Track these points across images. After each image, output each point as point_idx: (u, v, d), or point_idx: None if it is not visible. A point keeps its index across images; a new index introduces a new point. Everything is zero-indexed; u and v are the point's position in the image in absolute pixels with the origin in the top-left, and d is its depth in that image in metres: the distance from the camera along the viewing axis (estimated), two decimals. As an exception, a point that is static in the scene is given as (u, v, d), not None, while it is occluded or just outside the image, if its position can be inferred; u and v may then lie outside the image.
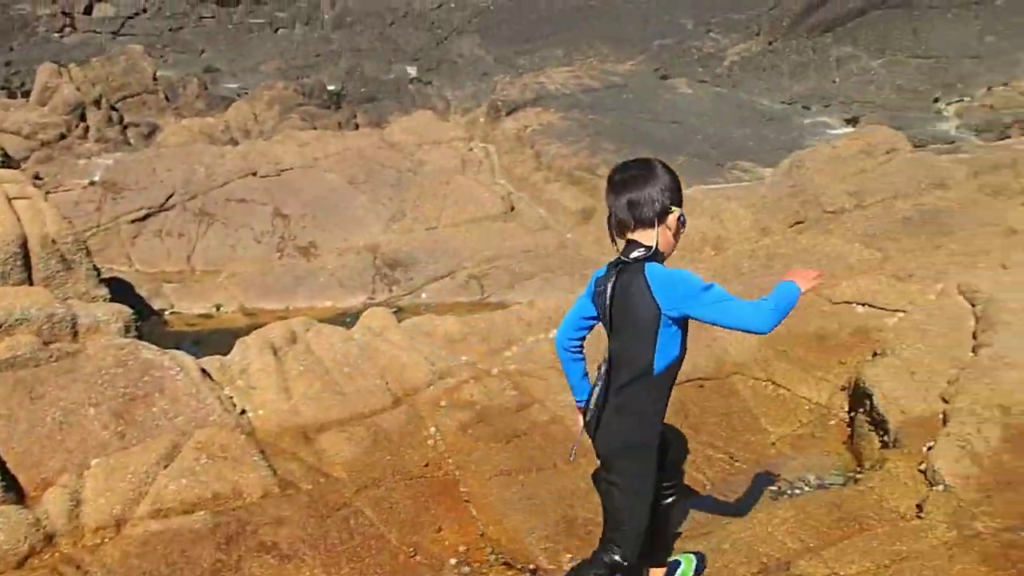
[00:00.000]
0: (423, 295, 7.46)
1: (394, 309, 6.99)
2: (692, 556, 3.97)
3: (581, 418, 3.25)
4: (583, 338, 3.27)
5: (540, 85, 12.01)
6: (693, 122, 11.73)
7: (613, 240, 2.93)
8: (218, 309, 7.96)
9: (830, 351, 6.35)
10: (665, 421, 3.18)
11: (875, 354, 5.97)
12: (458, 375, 5.68)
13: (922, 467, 4.75)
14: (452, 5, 15.76)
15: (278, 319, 6.26)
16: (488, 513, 4.59)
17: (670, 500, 3.55)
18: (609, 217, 2.92)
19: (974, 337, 6.06)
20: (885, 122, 11.41)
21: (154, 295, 7.94)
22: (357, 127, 11.33)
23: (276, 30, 15.22)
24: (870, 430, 5.43)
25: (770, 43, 14.75)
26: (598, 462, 3.31)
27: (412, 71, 13.49)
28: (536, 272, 7.71)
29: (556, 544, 4.43)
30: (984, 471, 4.62)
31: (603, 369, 3.03)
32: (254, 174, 9.40)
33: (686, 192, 9.15)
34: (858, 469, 5.25)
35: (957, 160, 9.73)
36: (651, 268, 2.81)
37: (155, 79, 13.15)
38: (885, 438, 5.25)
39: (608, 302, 2.88)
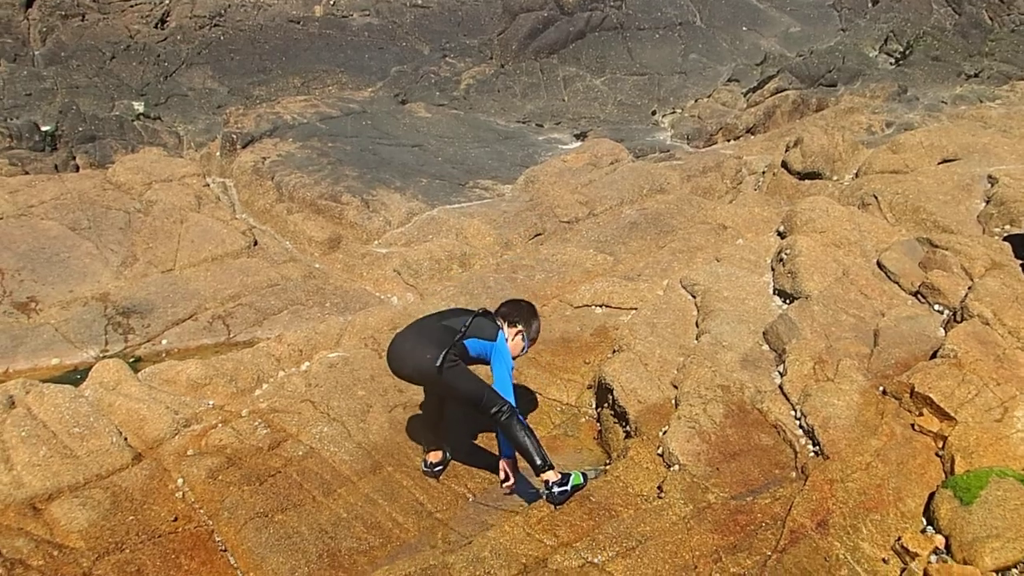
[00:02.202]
0: (163, 341, 7.01)
1: (131, 359, 6.52)
2: (581, 473, 4.88)
3: None
4: None
5: (276, 115, 11.73)
6: (433, 144, 11.97)
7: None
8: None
9: (575, 353, 6.73)
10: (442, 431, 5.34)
11: (614, 351, 6.40)
12: (205, 420, 5.42)
13: (659, 451, 5.15)
14: (179, 37, 15.00)
15: (-6, 385, 5.63)
16: (247, 559, 4.42)
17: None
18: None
19: (696, 325, 6.67)
20: (610, 135, 12.23)
21: None
22: (78, 169, 10.44)
23: (-24, 68, 13.74)
24: (615, 423, 5.81)
25: (502, 66, 15.38)
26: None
27: (138, 107, 12.67)
28: (284, 306, 7.50)
29: (320, 579, 4.34)
30: (712, 446, 5.09)
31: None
32: (-44, 228, 8.42)
33: (432, 213, 9.31)
34: (607, 461, 5.59)
35: (672, 166, 10.66)
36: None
37: None
38: (627, 428, 5.63)
39: None
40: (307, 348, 6.48)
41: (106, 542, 4.37)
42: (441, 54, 15.67)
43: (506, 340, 4.98)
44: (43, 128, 11.14)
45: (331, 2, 16.40)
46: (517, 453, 4.87)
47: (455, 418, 5.42)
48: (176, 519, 4.61)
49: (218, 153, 11.00)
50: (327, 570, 4.41)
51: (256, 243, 8.77)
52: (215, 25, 15.29)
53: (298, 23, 15.71)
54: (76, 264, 8.10)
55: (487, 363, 4.93)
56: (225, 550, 4.49)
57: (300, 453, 5.16)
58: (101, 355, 6.73)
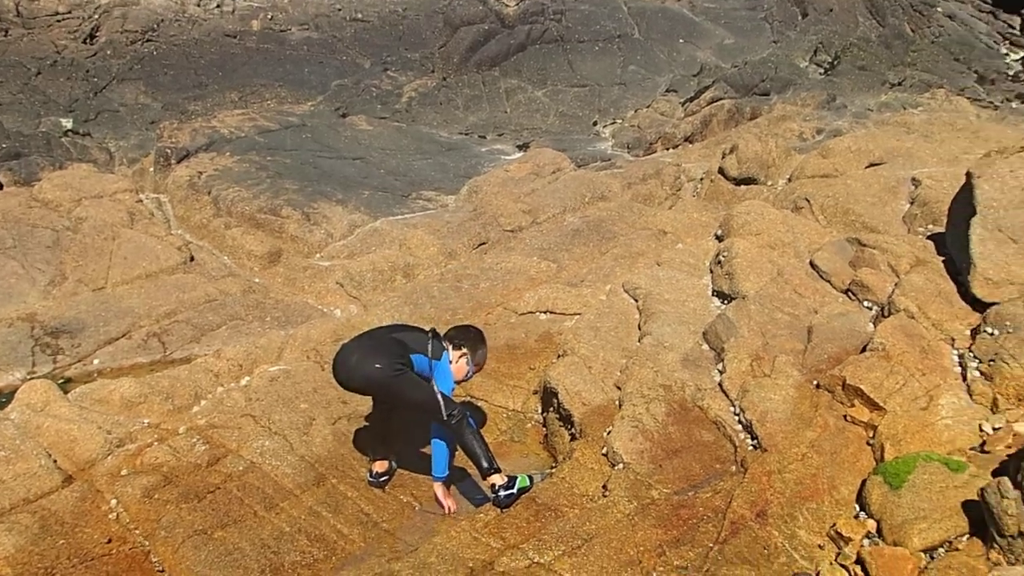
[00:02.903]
0: (95, 361, 6.83)
1: (61, 380, 6.33)
2: (527, 476, 4.90)
3: None
4: None
5: (212, 129, 11.55)
6: (376, 156, 11.92)
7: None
8: None
9: (520, 359, 6.75)
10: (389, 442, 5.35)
11: (558, 356, 6.44)
12: (140, 439, 5.30)
13: (604, 451, 5.19)
14: (109, 52, 14.67)
15: (-87, 411, 5.43)
16: (184, 577, 4.31)
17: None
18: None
19: (639, 328, 6.75)
20: (552, 145, 12.32)
21: None
22: (1, 187, 10.12)
23: None
24: (560, 426, 5.84)
25: (444, 79, 15.41)
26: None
27: (66, 123, 12.36)
28: (223, 321, 7.37)
29: (261, 594, 4.27)
30: (654, 444, 5.15)
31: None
32: None
33: (374, 225, 9.27)
34: (553, 464, 5.62)
35: (613, 174, 10.79)
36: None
37: None
38: (573, 431, 5.67)
39: None
40: (247, 363, 6.38)
41: (35, 567, 4.23)
42: (382, 67, 15.64)
43: (450, 362, 5.01)
44: (-34, 146, 10.81)
45: (269, 16, 16.26)
46: (462, 455, 4.88)
47: (402, 428, 5.39)
48: (110, 541, 4.49)
49: (152, 168, 10.80)
50: (269, 585, 4.34)
51: (193, 259, 8.61)
52: (148, 40, 15.02)
53: (235, 37, 15.53)
54: (0, 284, 7.85)
55: (428, 380, 4.94)
56: (163, 570, 4.39)
57: (240, 468, 5.07)
58: (28, 377, 6.52)
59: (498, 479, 4.75)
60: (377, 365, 4.72)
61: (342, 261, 8.83)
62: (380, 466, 5.26)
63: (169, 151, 10.84)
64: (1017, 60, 17.35)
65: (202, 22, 15.59)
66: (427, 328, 5.17)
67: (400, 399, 4.96)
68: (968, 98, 14.02)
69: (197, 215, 9.71)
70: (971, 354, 5.61)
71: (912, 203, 8.37)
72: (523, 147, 13.08)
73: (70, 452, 5.08)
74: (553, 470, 5.31)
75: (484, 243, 9.10)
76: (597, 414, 5.57)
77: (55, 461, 4.99)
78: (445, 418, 4.74)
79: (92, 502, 4.73)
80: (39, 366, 6.74)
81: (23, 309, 7.50)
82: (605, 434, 5.31)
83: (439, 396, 4.75)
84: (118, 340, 7.06)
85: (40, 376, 6.36)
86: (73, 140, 11.65)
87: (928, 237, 7.45)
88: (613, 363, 6.18)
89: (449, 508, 5.05)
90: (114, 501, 4.75)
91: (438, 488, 5.08)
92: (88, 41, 14.70)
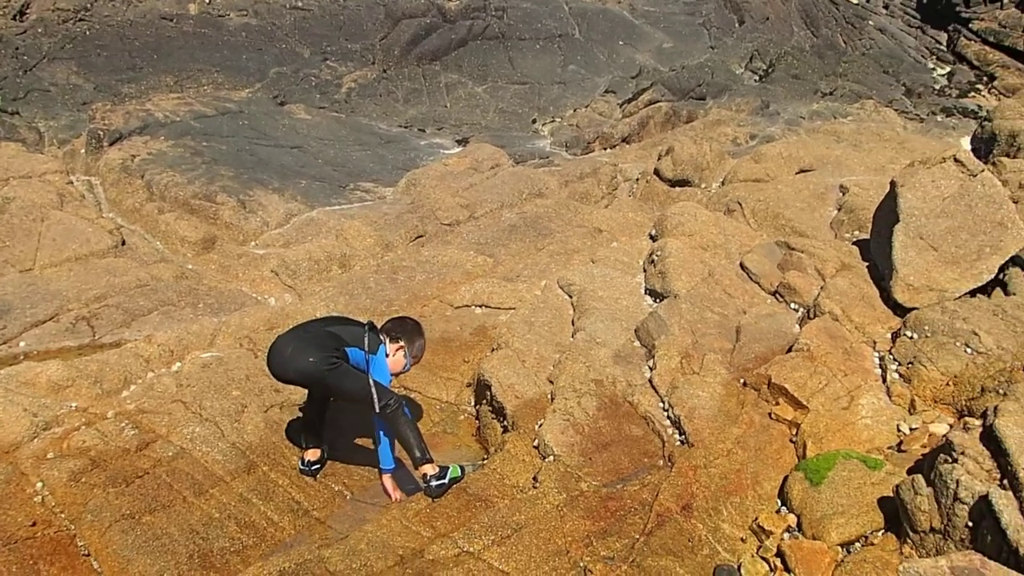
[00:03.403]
0: (20, 344, 6.64)
1: (-15, 362, 6.17)
2: (459, 466, 5.00)
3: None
4: None
5: (147, 112, 11.31)
6: (314, 146, 11.82)
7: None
8: None
9: (455, 352, 6.80)
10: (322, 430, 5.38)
11: (493, 349, 6.52)
12: (67, 423, 5.20)
13: (535, 443, 5.29)
14: (40, 30, 14.22)
15: None
16: (111, 563, 4.28)
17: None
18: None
19: (572, 324, 6.87)
20: (491, 141, 12.39)
21: None
22: (-76, 164, 9.77)
23: None
24: (493, 418, 5.91)
25: (384, 71, 15.34)
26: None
27: (-6, 101, 11.96)
28: (154, 307, 7.24)
29: (190, 580, 4.25)
30: (585, 437, 5.27)
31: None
32: None
33: (311, 214, 9.18)
34: (485, 456, 5.69)
35: (551, 172, 10.91)
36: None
37: None
38: (505, 423, 5.75)
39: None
40: (179, 349, 6.30)
41: (-45, 549, 4.14)
42: (322, 57, 15.49)
43: (387, 355, 5.04)
44: None
45: (207, 1, 15.95)
46: (398, 445, 4.93)
47: (334, 417, 5.40)
48: (34, 524, 4.41)
49: (83, 150, 10.52)
50: (198, 571, 4.32)
51: (124, 243, 8.43)
52: (80, 19, 14.59)
53: (171, 20, 15.19)
54: (-78, 264, 7.59)
55: (365, 373, 4.95)
56: (88, 554, 4.33)
57: (170, 454, 5.02)
58: (-50, 358, 6.33)
59: (430, 469, 4.81)
60: (311, 359, 4.73)
61: (278, 249, 8.75)
62: (312, 454, 5.26)
63: (101, 133, 10.58)
64: (943, 75, 18.10)
65: (137, 3, 15.20)
66: (363, 321, 5.18)
67: (334, 391, 4.99)
68: (896, 110, 14.59)
69: (129, 199, 9.50)
70: (891, 356, 5.87)
71: (839, 209, 8.69)
72: (462, 142, 13.12)
73: (-7, 435, 4.97)
74: (485, 461, 5.38)
75: (421, 236, 9.12)
76: (529, 407, 5.66)
77: (-23, 444, 4.88)
78: (379, 409, 4.76)
79: (17, 484, 4.63)
80: (-39, 348, 6.54)
81: (-55, 289, 7.26)
82: (537, 427, 5.40)
83: (372, 387, 4.78)
84: (45, 323, 6.88)
85: (-39, 358, 6.17)
86: (0, 118, 11.27)
87: (854, 243, 7.76)
88: (546, 357, 6.28)
89: (398, 499, 5.06)
90: (40, 484, 4.66)
91: (386, 480, 5.09)
92: (18, 18, 14.21)
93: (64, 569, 4.19)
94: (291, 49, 15.58)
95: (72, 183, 9.58)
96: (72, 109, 12.14)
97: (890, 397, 5.56)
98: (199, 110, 12.01)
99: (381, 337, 5.08)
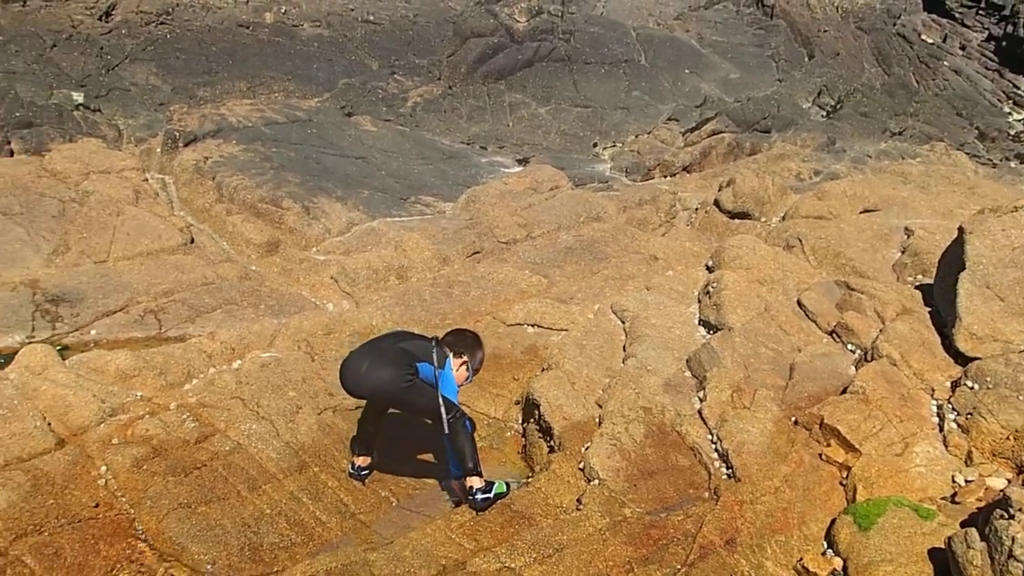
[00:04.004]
0: (92, 331, 6.90)
1: (59, 347, 6.41)
2: (505, 482, 5.10)
3: None
4: None
5: (221, 116, 11.67)
6: (378, 158, 12.06)
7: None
8: None
9: (505, 369, 6.87)
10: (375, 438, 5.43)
11: (543, 369, 6.57)
12: (132, 411, 5.39)
13: (581, 465, 5.32)
14: (124, 31, 14.78)
15: (-88, 364, 5.50)
16: (167, 548, 4.42)
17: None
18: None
19: (624, 349, 6.89)
20: (551, 162, 12.49)
21: None
22: (12, 154, 10.20)
23: (-91, 46, 13.33)
24: (539, 437, 5.95)
25: (450, 87, 15.60)
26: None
27: (78, 97, 12.44)
28: (218, 304, 7.46)
29: (239, 571, 4.39)
30: (631, 464, 5.28)
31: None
32: None
33: (372, 224, 9.32)
34: (530, 474, 5.73)
35: (610, 197, 10.96)
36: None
37: None
38: (552, 443, 5.78)
39: None
40: (240, 347, 6.48)
41: (24, 523, 4.32)
42: (390, 71, 15.81)
43: (452, 368, 5.15)
44: (-24, 111, 10.88)
45: (282, 10, 16.40)
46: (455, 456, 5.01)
47: (388, 426, 5.50)
48: (97, 505, 4.58)
49: (159, 149, 10.89)
50: (247, 563, 4.44)
51: (193, 241, 8.70)
52: (162, 23, 15.13)
53: (247, 28, 15.66)
54: (5, 249, 7.93)
55: (433, 387, 5.05)
56: (145, 539, 4.48)
57: (227, 448, 5.17)
58: (27, 340, 6.60)
59: (477, 482, 4.89)
60: (387, 376, 4.86)
61: (338, 257, 8.94)
62: (362, 460, 5.37)
63: (177, 134, 10.95)
64: (1019, 120, 17.73)
65: (216, 10, 15.71)
66: (429, 336, 5.29)
67: (407, 406, 5.15)
68: (967, 153, 14.34)
69: (200, 199, 9.80)
70: (950, 406, 5.75)
71: (903, 252, 8.57)
72: (523, 161, 13.24)
73: (64, 417, 5.17)
74: (529, 480, 5.42)
75: (478, 252, 9.23)
76: (577, 429, 5.69)
77: (49, 424, 5.08)
78: (447, 421, 4.87)
79: (83, 467, 4.82)
80: (38, 331, 6.82)
81: (26, 275, 7.57)
82: (583, 449, 5.43)
83: (441, 402, 4.90)
84: (116, 313, 7.14)
85: (39, 341, 6.43)
86: (84, 114, 11.73)
87: (916, 287, 7.63)
88: (596, 381, 6.31)
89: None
90: (104, 468, 4.84)
91: (455, 484, 5.22)
92: (104, 18, 14.80)
93: (123, 550, 4.34)
94: (360, 61, 15.94)
95: (147, 180, 9.93)
96: (150, 109, 12.58)
97: (946, 447, 5.46)
98: (270, 116, 12.34)
99: (445, 351, 5.19)
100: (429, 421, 5.10)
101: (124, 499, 4.65)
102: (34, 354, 5.58)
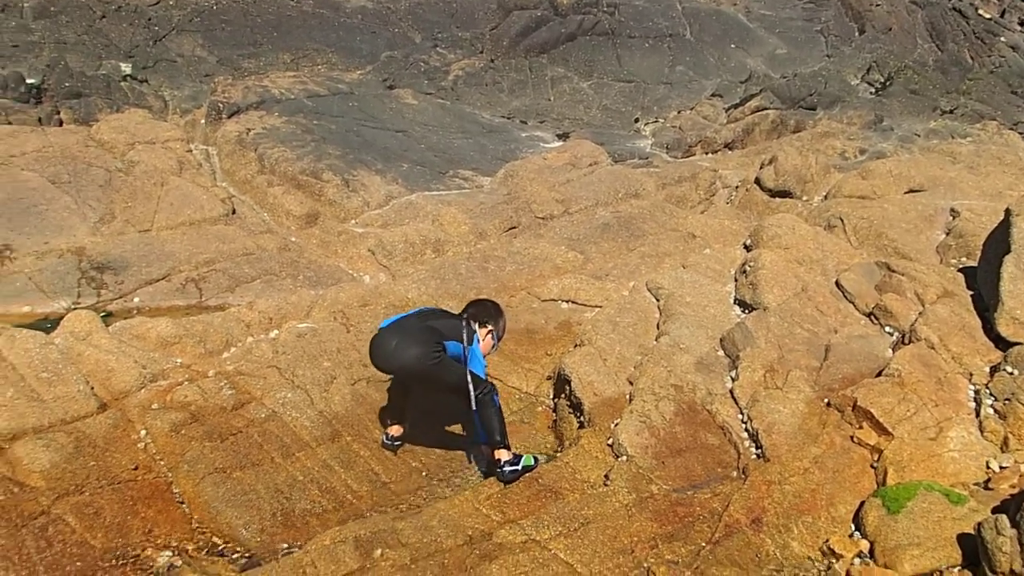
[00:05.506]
0: (135, 299, 7.09)
1: (103, 313, 6.60)
2: (533, 456, 5.16)
3: None
4: None
5: (264, 88, 11.79)
6: (418, 131, 12.09)
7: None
8: None
9: (538, 344, 6.91)
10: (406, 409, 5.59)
11: (575, 345, 6.60)
12: (172, 377, 5.54)
13: (610, 441, 5.35)
14: (171, 3, 14.93)
15: (-37, 327, 5.70)
16: (202, 511, 4.56)
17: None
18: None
19: (657, 327, 6.89)
20: (592, 138, 12.40)
21: None
22: (61, 123, 10.43)
23: (-37, 16, 13.64)
24: (569, 413, 5.99)
25: (492, 61, 15.51)
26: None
27: (126, 68, 12.64)
28: (258, 275, 7.60)
29: (272, 536, 4.50)
30: (660, 441, 5.30)
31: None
32: (-66, 172, 8.44)
33: (410, 198, 9.38)
34: (559, 449, 5.78)
35: (649, 173, 10.87)
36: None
37: None
38: (581, 419, 5.82)
39: None
40: (277, 317, 6.60)
41: (66, 484, 4.49)
42: (432, 43, 15.76)
43: (479, 341, 5.24)
44: (29, 80, 11.11)
45: (327, -18, 16.43)
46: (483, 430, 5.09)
47: (420, 398, 5.59)
48: (136, 468, 4.73)
49: (203, 121, 11.05)
50: (279, 528, 4.56)
51: (234, 212, 8.85)
52: (209, -7, 15.25)
53: (292, 0, 15.73)
54: (53, 216, 8.15)
55: (462, 363, 5.14)
56: (182, 502, 4.62)
57: (262, 416, 5.30)
58: (72, 307, 6.81)
59: (505, 455, 4.95)
60: (415, 354, 4.93)
61: (376, 229, 9.02)
62: (395, 430, 5.47)
63: (221, 105, 11.09)
64: (1074, 101, 17.12)
65: (262, -19, 15.78)
66: (458, 314, 5.37)
67: (436, 383, 5.20)
68: (1020, 133, 13.91)
69: (242, 170, 9.94)
70: (987, 391, 5.67)
71: (948, 234, 8.40)
72: (563, 136, 13.16)
73: (107, 381, 5.34)
74: (558, 454, 5.47)
75: (515, 227, 9.24)
76: (607, 405, 5.72)
77: (92, 388, 5.25)
78: (475, 396, 4.95)
79: (123, 430, 4.98)
80: (83, 298, 7.02)
81: (73, 242, 7.79)
82: (612, 425, 5.46)
83: (469, 379, 4.97)
84: (158, 281, 7.32)
85: (84, 307, 6.63)
86: (131, 85, 11.93)
87: (960, 270, 7.48)
88: (628, 358, 6.32)
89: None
90: (143, 432, 5.00)
91: (486, 450, 5.26)
92: (152, -11, 14.96)
93: (159, 512, 4.49)
94: (403, 34, 15.92)
95: (191, 151, 10.10)
96: (195, 80, 12.73)
97: (982, 432, 5.38)
98: (312, 89, 12.43)
99: (472, 325, 5.24)
100: (457, 398, 5.15)
101: (163, 463, 4.80)
102: (79, 320, 5.76)
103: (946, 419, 5.42)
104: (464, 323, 5.22)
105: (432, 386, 5.31)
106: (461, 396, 4.99)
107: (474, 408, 4.97)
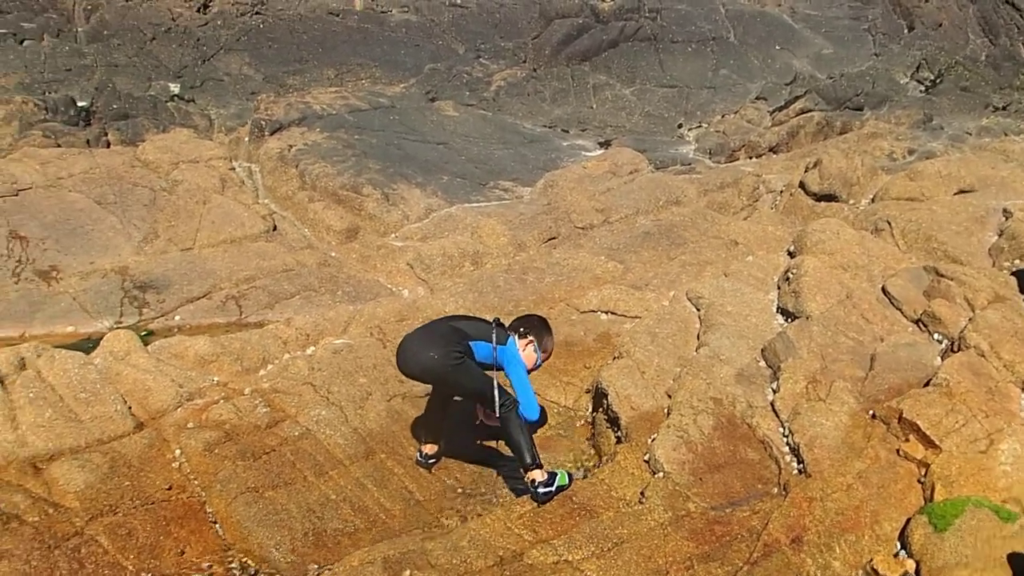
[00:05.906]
0: (176, 317, 7.22)
1: (144, 332, 6.72)
2: (567, 473, 4.99)
3: None
4: None
5: (306, 105, 11.96)
6: (458, 143, 12.12)
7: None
8: (-56, 340, 7.28)
9: (576, 356, 6.83)
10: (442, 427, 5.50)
11: (614, 357, 6.50)
12: (208, 395, 5.60)
13: (646, 457, 5.24)
14: (219, 23, 15.29)
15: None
16: (234, 531, 4.58)
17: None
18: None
19: (697, 338, 6.75)
20: (634, 145, 12.29)
21: None
22: (108, 145, 10.71)
23: (21, 42, 14.09)
24: (607, 427, 5.90)
25: (534, 70, 15.51)
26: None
27: (174, 88, 12.95)
28: (297, 291, 7.68)
29: (303, 556, 4.49)
30: (697, 456, 5.17)
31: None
32: (-13, 195, 8.72)
33: (450, 210, 9.41)
34: (598, 464, 5.69)
35: (690, 180, 10.72)
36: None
37: None
38: (619, 433, 5.72)
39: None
40: (314, 333, 6.64)
41: (100, 504, 4.55)
42: (475, 54, 15.83)
43: (518, 348, 5.10)
44: (79, 103, 11.44)
45: (371, -3, 16.64)
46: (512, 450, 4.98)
47: (457, 415, 5.54)
48: (170, 488, 4.78)
49: (246, 138, 11.25)
50: (311, 548, 4.55)
51: (275, 228, 8.96)
52: (256, 13, 15.56)
53: (337, 15, 15.94)
54: (99, 237, 8.35)
55: (498, 368, 5.02)
56: (215, 522, 4.65)
57: (296, 434, 5.31)
58: (115, 326, 6.95)
59: (539, 475, 4.82)
60: (433, 354, 4.82)
61: (415, 243, 9.05)
62: (430, 448, 5.42)
63: (264, 123, 11.27)
64: None
65: (307, -1, 16.05)
66: (489, 319, 5.28)
67: (455, 387, 5.10)
68: (1077, 130, 13.41)
69: (284, 187, 10.08)
70: (1040, 400, 5.45)
71: (1000, 235, 8.10)
72: (605, 144, 13.07)
73: (144, 401, 5.42)
74: (593, 469, 5.38)
75: (554, 238, 9.19)
76: (644, 420, 5.60)
77: (130, 408, 5.33)
78: (498, 407, 4.84)
79: (158, 450, 5.04)
80: (126, 317, 7.18)
81: (117, 262, 7.97)
82: (649, 440, 5.35)
83: (494, 387, 4.85)
84: (199, 299, 7.44)
85: (125, 327, 6.76)
86: (178, 105, 12.21)
87: (1012, 273, 7.21)
88: (667, 370, 6.21)
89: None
90: (178, 451, 5.05)
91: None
92: (201, 10, 15.33)
93: (193, 532, 4.52)
94: (447, 46, 16.02)
95: (234, 169, 10.28)
96: (241, 98, 12.98)
97: (1036, 445, 5.15)
98: (354, 104, 12.56)
99: (509, 333, 5.15)
100: (480, 403, 5.05)
101: (196, 482, 4.83)
102: (118, 340, 5.86)
103: (997, 431, 5.19)
104: (495, 326, 5.12)
105: (454, 390, 5.20)
106: (484, 403, 4.89)
107: (497, 416, 4.87)
